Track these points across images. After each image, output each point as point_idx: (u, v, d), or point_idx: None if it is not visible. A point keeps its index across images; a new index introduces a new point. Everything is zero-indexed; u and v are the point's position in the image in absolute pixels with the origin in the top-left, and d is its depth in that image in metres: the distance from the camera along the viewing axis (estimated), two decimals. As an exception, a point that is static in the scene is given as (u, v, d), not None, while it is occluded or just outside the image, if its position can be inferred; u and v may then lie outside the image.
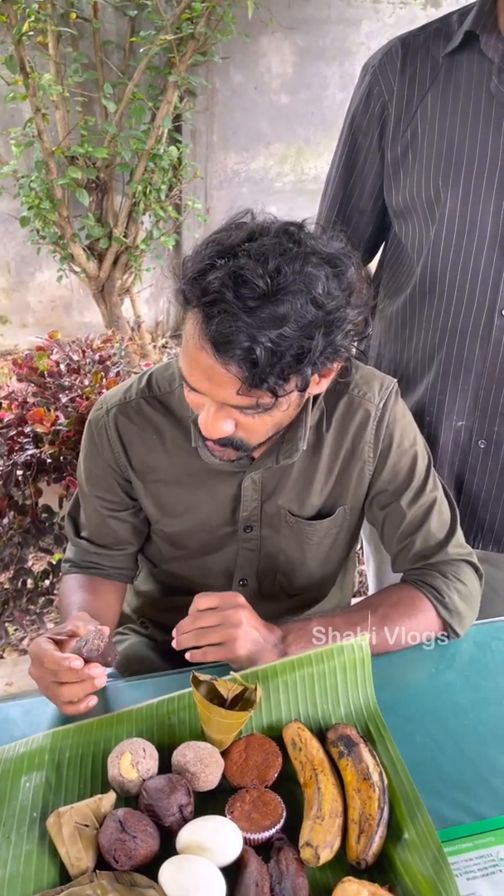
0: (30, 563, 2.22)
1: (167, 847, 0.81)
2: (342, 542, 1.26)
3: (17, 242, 4.53)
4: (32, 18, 3.47)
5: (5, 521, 2.09)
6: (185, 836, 0.81)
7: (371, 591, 1.74)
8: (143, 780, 0.87)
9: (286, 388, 0.94)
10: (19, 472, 2.15)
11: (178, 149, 4.16)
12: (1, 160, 3.95)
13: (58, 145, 3.78)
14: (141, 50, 3.76)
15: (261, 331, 0.87)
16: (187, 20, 3.72)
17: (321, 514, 1.21)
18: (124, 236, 4.03)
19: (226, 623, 1.02)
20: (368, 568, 1.70)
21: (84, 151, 3.70)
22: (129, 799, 0.88)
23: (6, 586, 2.19)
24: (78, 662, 0.93)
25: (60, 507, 2.23)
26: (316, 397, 1.14)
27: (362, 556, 1.73)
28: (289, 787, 0.90)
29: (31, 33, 3.57)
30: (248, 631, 1.03)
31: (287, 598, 1.27)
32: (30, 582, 2.22)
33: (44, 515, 2.18)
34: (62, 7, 3.79)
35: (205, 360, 0.92)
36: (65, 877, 0.79)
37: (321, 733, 0.96)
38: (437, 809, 0.87)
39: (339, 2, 4.55)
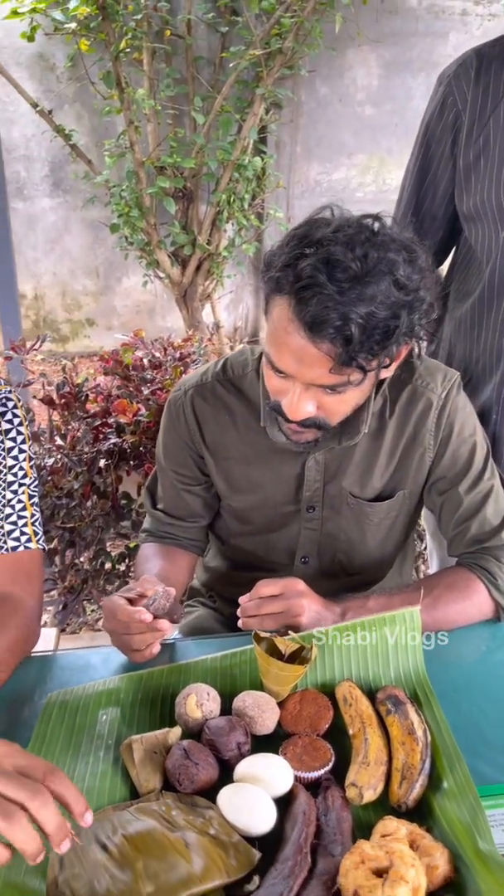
0: (108, 547, 2.36)
1: (225, 779, 0.90)
2: (400, 526, 1.33)
3: (107, 249, 4.75)
4: (129, 36, 3.68)
5: (88, 504, 2.23)
6: (242, 768, 0.90)
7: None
8: (206, 720, 0.96)
9: (372, 364, 1.02)
10: (102, 461, 2.29)
11: (263, 159, 4.29)
12: (94, 170, 4.17)
13: (148, 156, 3.97)
14: (230, 65, 3.92)
15: (352, 309, 0.95)
16: (276, 35, 3.85)
17: (381, 497, 1.28)
18: (207, 243, 4.18)
19: (288, 612, 1.09)
20: (431, 563, 1.75)
21: (172, 162, 3.88)
22: (192, 736, 0.97)
23: (86, 566, 2.33)
24: (147, 616, 1.03)
25: (138, 494, 2.36)
26: (380, 385, 1.22)
27: (425, 550, 1.78)
28: (338, 738, 0.97)
29: (128, 50, 3.78)
30: (310, 616, 1.10)
31: (346, 576, 1.34)
32: (108, 564, 2.35)
33: (123, 502, 2.31)
34: (157, 25, 3.98)
35: (296, 342, 1.00)
36: (134, 795, 0.89)
37: (371, 693, 1.02)
38: (476, 768, 0.92)
39: (426, 14, 4.60)
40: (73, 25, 3.70)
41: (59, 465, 2.18)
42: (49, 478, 2.18)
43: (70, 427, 2.24)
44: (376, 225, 1.02)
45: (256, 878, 0.79)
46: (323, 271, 0.95)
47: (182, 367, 2.23)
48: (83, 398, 2.27)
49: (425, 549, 2.10)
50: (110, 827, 0.81)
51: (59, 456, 2.19)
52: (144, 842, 0.79)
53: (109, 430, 2.25)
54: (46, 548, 1.21)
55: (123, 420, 2.17)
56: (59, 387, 2.21)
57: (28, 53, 4.24)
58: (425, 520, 1.69)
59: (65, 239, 4.76)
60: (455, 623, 1.17)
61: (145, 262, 4.26)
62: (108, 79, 3.79)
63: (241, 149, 4.02)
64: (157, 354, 2.37)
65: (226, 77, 4.00)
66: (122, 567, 2.39)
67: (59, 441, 2.22)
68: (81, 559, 2.32)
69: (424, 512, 1.69)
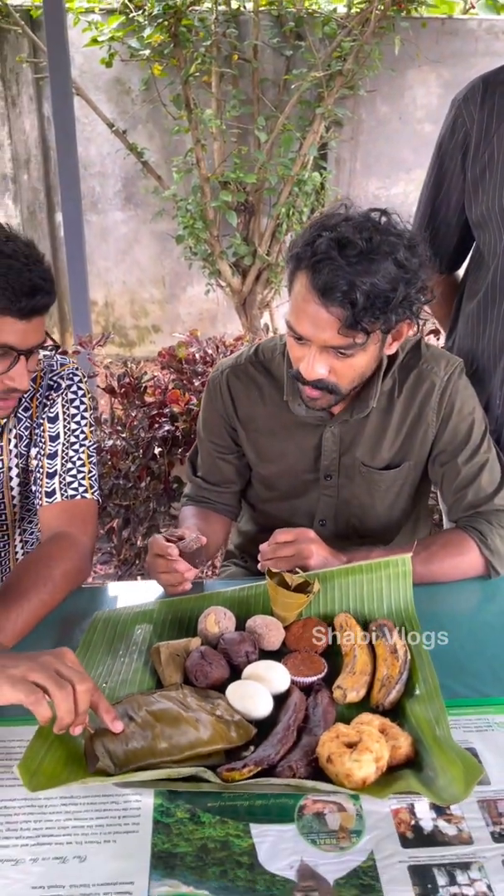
0: (160, 527, 2.57)
1: (234, 680, 1.09)
2: (406, 494, 1.50)
3: (173, 259, 5.02)
4: (199, 61, 3.95)
5: (143, 485, 2.45)
6: (248, 670, 1.08)
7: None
8: (222, 635, 1.15)
9: (374, 327, 1.21)
10: (157, 448, 2.51)
11: (322, 175, 4.49)
12: (163, 185, 4.45)
13: (213, 172, 4.22)
14: (293, 86, 4.14)
15: (358, 279, 1.15)
16: (337, 58, 4.06)
17: (390, 467, 1.45)
18: (267, 254, 4.40)
19: (299, 554, 1.28)
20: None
21: (235, 177, 4.12)
22: (210, 647, 1.16)
23: (139, 543, 2.55)
24: (174, 551, 1.24)
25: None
26: (389, 367, 1.39)
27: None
28: (333, 659, 1.14)
29: (198, 74, 4.05)
30: (318, 559, 1.29)
31: (358, 538, 1.51)
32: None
33: (174, 486, 2.53)
34: (226, 50, 4.25)
35: (312, 308, 1.19)
36: (159, 687, 1.09)
37: (365, 625, 1.20)
38: (450, 686, 1.08)
39: (486, 35, 4.74)
40: (147, 52, 4.00)
41: (118, 448, 2.41)
42: (109, 460, 2.41)
43: (129, 415, 2.48)
44: (382, 217, 1.22)
45: (252, 748, 0.98)
46: (335, 248, 1.16)
47: (231, 362, 2.44)
48: (142, 389, 2.51)
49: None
50: (137, 705, 1.01)
51: (118, 440, 2.42)
52: (163, 715, 0.99)
53: (164, 419, 2.48)
54: (100, 500, 1.42)
55: (176, 409, 2.39)
56: (119, 378, 2.45)
57: (105, 78, 4.56)
58: (441, 504, 1.84)
59: (134, 250, 5.05)
60: (449, 576, 1.33)
61: (208, 271, 4.51)
62: (178, 101, 4.07)
63: (300, 165, 4.23)
64: (209, 351, 2.59)
65: (289, 97, 4.23)
66: (172, 546, 2.59)
67: (118, 427, 2.46)
68: (135, 536, 2.54)
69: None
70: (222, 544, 1.65)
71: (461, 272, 1.72)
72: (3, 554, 1.50)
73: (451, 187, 1.55)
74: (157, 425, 2.47)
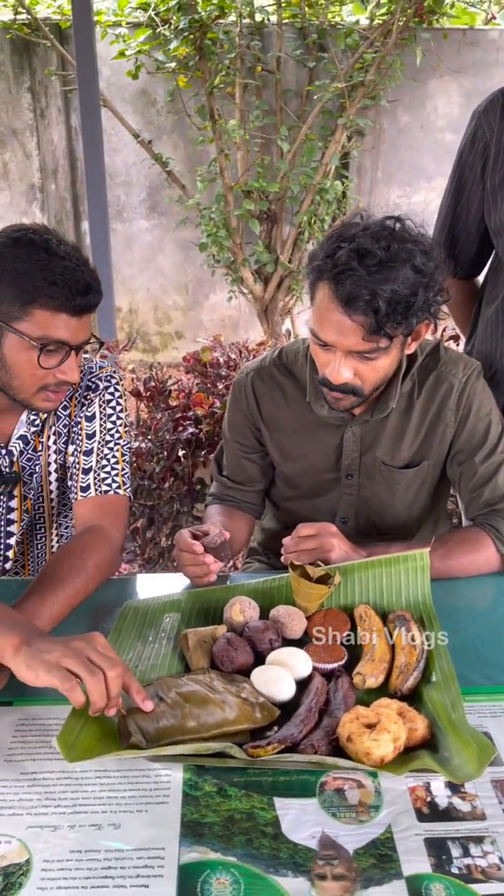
0: (183, 526, 2.63)
1: (259, 665, 1.14)
2: (425, 493, 1.54)
3: (195, 267, 5.11)
4: (223, 73, 4.03)
5: (166, 486, 2.51)
6: (272, 656, 1.13)
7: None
8: (247, 623, 1.21)
9: (397, 332, 1.26)
10: (181, 450, 2.58)
11: (343, 183, 4.55)
12: (187, 194, 4.53)
13: (236, 181, 4.30)
14: (316, 97, 4.21)
15: (379, 287, 1.20)
16: (359, 69, 4.12)
17: (409, 465, 1.50)
18: (289, 262, 4.46)
19: (321, 548, 1.33)
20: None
21: (258, 186, 4.19)
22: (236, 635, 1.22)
23: (162, 543, 2.61)
24: (199, 547, 1.29)
25: (211, 481, 2.63)
26: (409, 370, 1.44)
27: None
28: (352, 649, 1.19)
29: (222, 85, 4.13)
30: (339, 553, 1.34)
31: (378, 535, 1.56)
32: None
33: (197, 487, 2.59)
34: (249, 62, 4.33)
35: (336, 317, 1.25)
36: (187, 671, 1.14)
37: (384, 616, 1.24)
38: (466, 675, 1.12)
39: (507, 45, 4.78)
40: (173, 65, 4.09)
41: (143, 450, 2.48)
42: (134, 461, 2.48)
43: (154, 418, 2.54)
44: (397, 225, 1.27)
45: (276, 728, 1.03)
46: (355, 258, 1.21)
47: (254, 367, 2.50)
48: (167, 393, 2.57)
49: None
50: (166, 686, 1.06)
51: (143, 442, 2.49)
52: (191, 696, 1.04)
53: (188, 421, 2.54)
54: (131, 497, 1.48)
55: (200, 412, 2.45)
56: (145, 381, 2.52)
57: (131, 90, 4.66)
58: (459, 502, 1.88)
59: (158, 258, 5.14)
60: (466, 572, 1.38)
61: (231, 279, 4.58)
62: (202, 112, 4.16)
63: (322, 174, 4.29)
64: (233, 356, 2.65)
65: (311, 108, 4.30)
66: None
67: (143, 429, 2.52)
68: (159, 536, 2.60)
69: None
70: (246, 542, 1.71)
71: (481, 278, 1.77)
72: (39, 546, 1.56)
73: (471, 196, 1.60)
74: (181, 428, 2.54)
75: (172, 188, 4.66)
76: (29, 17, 4.35)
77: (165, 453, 2.51)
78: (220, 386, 2.45)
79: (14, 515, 1.49)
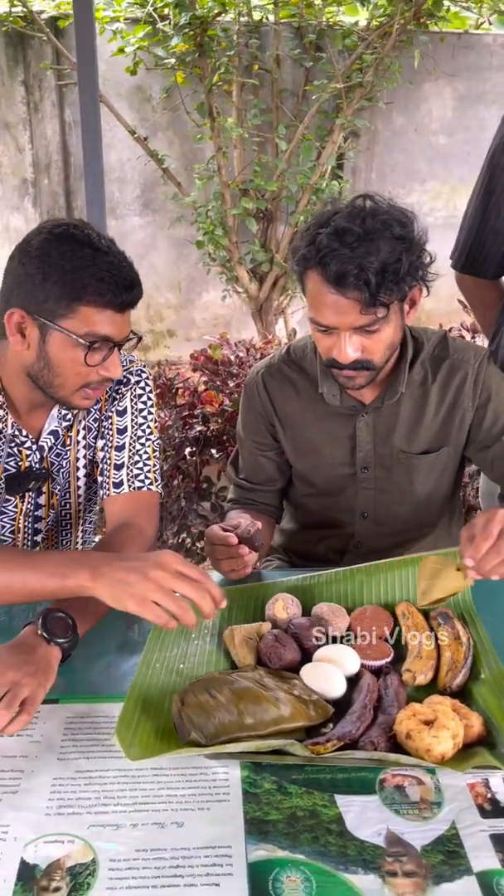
0: (190, 525, 2.62)
1: (305, 663, 1.13)
2: (446, 480, 1.55)
3: (189, 265, 5.08)
4: (222, 70, 4.02)
5: (175, 483, 2.50)
6: (320, 653, 1.12)
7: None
8: (290, 620, 1.20)
9: (391, 298, 1.27)
10: (188, 448, 2.56)
11: (340, 184, 4.56)
12: (183, 192, 4.51)
13: (233, 179, 4.29)
14: (313, 96, 4.22)
15: (364, 261, 1.22)
16: (357, 70, 4.14)
17: (428, 451, 1.51)
18: (284, 261, 4.46)
19: None
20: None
21: (256, 185, 4.19)
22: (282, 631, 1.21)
23: (170, 540, 2.60)
24: (233, 539, 1.28)
25: (218, 479, 2.62)
26: (416, 357, 1.46)
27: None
28: (396, 645, 1.19)
29: (220, 83, 4.12)
30: None
31: (402, 522, 1.56)
32: (188, 540, 2.62)
33: (205, 485, 2.58)
34: (247, 60, 4.32)
35: (331, 299, 1.26)
36: (234, 669, 1.13)
37: (425, 614, 1.25)
38: (510, 672, 1.13)
39: (501, 50, 4.82)
40: (172, 61, 4.07)
41: (152, 447, 2.46)
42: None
43: (162, 415, 2.52)
44: (367, 202, 1.29)
45: (331, 725, 1.02)
46: (336, 239, 1.24)
47: (264, 365, 2.50)
48: (174, 391, 2.56)
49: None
50: (217, 683, 1.05)
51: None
52: (245, 693, 1.03)
53: (195, 420, 2.53)
54: (161, 492, 1.47)
55: (210, 410, 2.44)
56: (154, 379, 2.50)
57: (127, 86, 4.63)
58: (482, 500, 1.90)
59: (151, 255, 5.11)
60: None
61: (226, 277, 4.56)
62: (201, 109, 4.14)
63: (319, 174, 4.30)
64: (241, 354, 2.64)
65: (308, 108, 4.30)
66: (201, 545, 2.64)
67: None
68: (167, 534, 2.58)
69: (482, 493, 1.90)
70: (269, 546, 1.70)
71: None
72: (65, 543, 1.54)
73: (502, 198, 1.61)
74: (188, 426, 2.53)
75: (167, 185, 4.64)
76: (24, 9, 4.30)
77: (173, 451, 2.50)
78: (232, 384, 2.44)
79: (41, 512, 1.47)
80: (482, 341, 2.47)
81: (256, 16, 4.31)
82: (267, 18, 4.35)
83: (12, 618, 1.26)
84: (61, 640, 1.08)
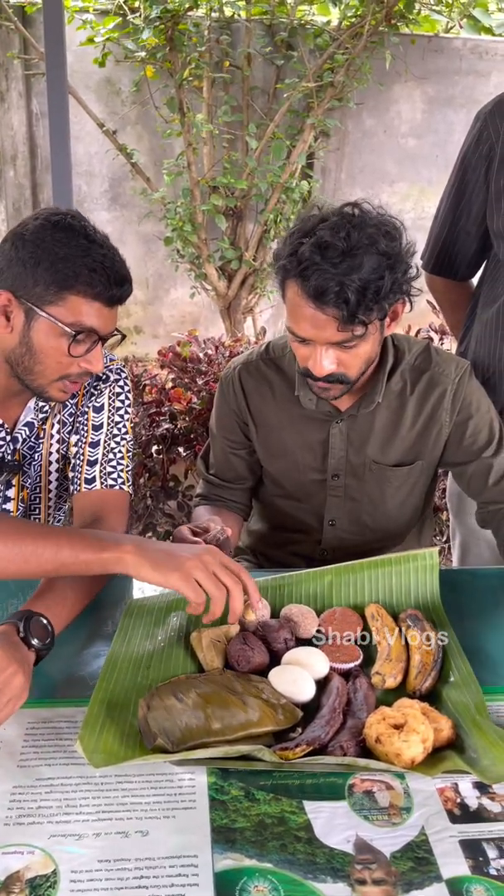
0: (157, 524, 2.59)
1: (274, 666, 1.11)
2: (418, 493, 1.54)
3: (157, 261, 5.04)
4: (193, 65, 3.99)
5: (141, 481, 2.47)
6: (289, 656, 1.11)
7: (455, 562, 1.97)
8: (258, 622, 1.18)
9: (371, 318, 1.24)
10: (155, 445, 2.53)
11: (310, 183, 4.56)
12: (152, 187, 4.47)
13: (203, 176, 4.26)
14: (284, 95, 4.21)
15: (346, 278, 1.19)
16: (328, 69, 4.13)
17: (402, 464, 1.49)
18: (253, 259, 4.45)
19: None
20: (454, 540, 1.95)
21: (226, 182, 4.16)
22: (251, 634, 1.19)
23: (134, 540, 2.56)
24: (200, 544, 1.25)
25: (185, 478, 2.59)
26: (395, 367, 1.44)
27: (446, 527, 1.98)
28: (365, 648, 1.18)
29: (190, 79, 4.09)
30: None
31: (371, 532, 1.55)
32: (154, 539, 2.58)
33: (171, 484, 2.55)
34: (218, 56, 4.29)
35: (308, 312, 1.23)
36: (201, 672, 1.11)
37: (394, 616, 1.24)
38: (480, 675, 1.12)
39: (470, 55, 4.87)
40: (142, 54, 4.02)
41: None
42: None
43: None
44: (356, 211, 1.26)
45: (299, 729, 1.00)
46: (318, 253, 1.20)
47: (233, 363, 2.47)
48: (141, 388, 2.52)
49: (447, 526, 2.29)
50: (184, 687, 1.03)
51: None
52: (212, 697, 1.01)
53: (163, 417, 2.50)
54: (132, 493, 1.44)
55: (178, 407, 2.41)
56: (121, 375, 2.46)
57: (96, 78, 4.56)
58: (449, 500, 1.90)
59: (119, 250, 5.05)
60: None
61: (194, 274, 4.53)
62: (171, 104, 4.10)
63: (289, 173, 4.29)
64: (210, 352, 2.62)
65: (279, 106, 4.29)
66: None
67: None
68: (133, 532, 2.55)
69: (448, 493, 1.90)
70: (236, 542, 1.68)
71: (475, 280, 1.78)
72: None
73: (473, 197, 1.61)
74: (155, 423, 2.49)
75: (136, 180, 4.59)
76: (-8, -3, 4.22)
77: (140, 449, 2.46)
78: (200, 382, 2.41)
79: (10, 506, 1.43)
80: (451, 343, 2.48)
81: (228, 12, 4.28)
82: (238, 15, 4.32)
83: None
84: (39, 646, 1.04)
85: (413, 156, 5.02)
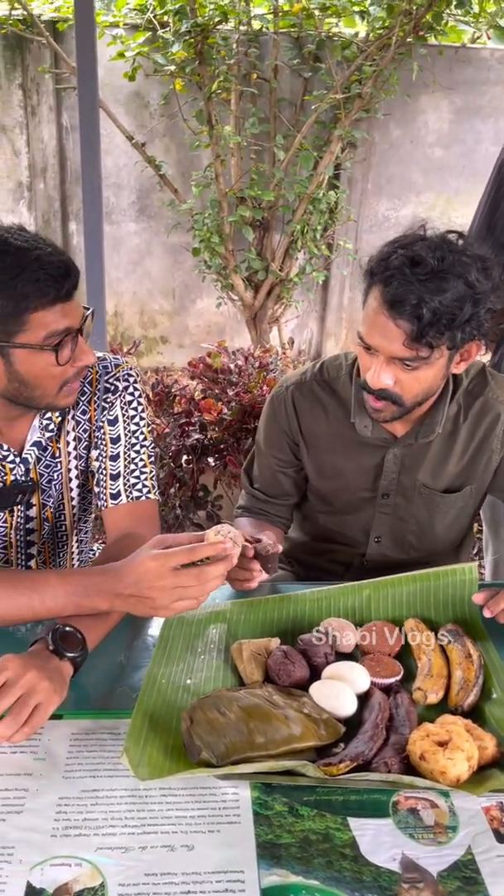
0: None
1: (313, 680, 1.11)
2: (465, 516, 1.53)
3: (183, 272, 5.06)
4: (221, 78, 4.01)
5: (171, 491, 2.48)
6: (329, 670, 1.11)
7: (488, 576, 1.96)
8: (299, 636, 1.18)
9: (439, 342, 1.24)
10: (185, 455, 2.54)
11: (336, 194, 4.57)
12: (180, 199, 4.50)
13: (230, 187, 4.28)
14: (312, 106, 4.22)
15: (426, 295, 1.19)
16: (356, 81, 4.14)
17: (451, 489, 1.48)
18: (280, 270, 4.45)
19: None
20: (487, 553, 1.94)
21: (253, 193, 4.18)
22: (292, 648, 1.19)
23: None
24: (250, 551, 1.26)
25: (215, 487, 2.60)
26: (454, 392, 1.43)
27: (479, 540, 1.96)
28: (405, 662, 1.17)
29: (219, 91, 4.12)
30: None
31: (415, 551, 1.55)
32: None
33: (201, 493, 2.56)
34: (246, 69, 4.32)
35: (381, 320, 1.23)
36: (241, 685, 1.11)
37: (433, 630, 1.23)
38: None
39: (498, 65, 4.85)
40: (172, 68, 4.05)
41: (149, 455, 2.44)
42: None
43: (159, 422, 2.50)
44: (459, 240, 1.26)
45: (342, 745, 1.00)
46: (407, 264, 1.21)
47: (264, 374, 2.48)
48: (171, 398, 2.54)
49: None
50: (226, 700, 1.03)
51: (148, 447, 2.45)
52: (254, 711, 1.01)
53: (192, 428, 2.51)
54: (159, 499, 1.44)
55: (208, 418, 2.41)
56: (153, 386, 2.48)
57: (126, 91, 4.61)
58: (482, 513, 1.88)
59: (146, 261, 5.09)
60: None
61: (221, 285, 4.55)
62: (200, 116, 4.13)
63: (316, 184, 4.30)
64: (240, 363, 2.63)
65: (306, 117, 4.30)
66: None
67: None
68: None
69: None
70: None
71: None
72: (62, 555, 1.51)
73: None
74: (185, 434, 2.50)
75: (164, 192, 4.62)
76: (24, 12, 4.28)
77: (170, 459, 2.47)
78: (231, 393, 2.42)
79: (33, 524, 1.44)
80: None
81: (256, 25, 4.31)
82: (266, 28, 4.35)
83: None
84: (72, 655, 1.06)
85: (439, 166, 5.01)
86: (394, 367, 1.28)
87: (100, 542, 2.39)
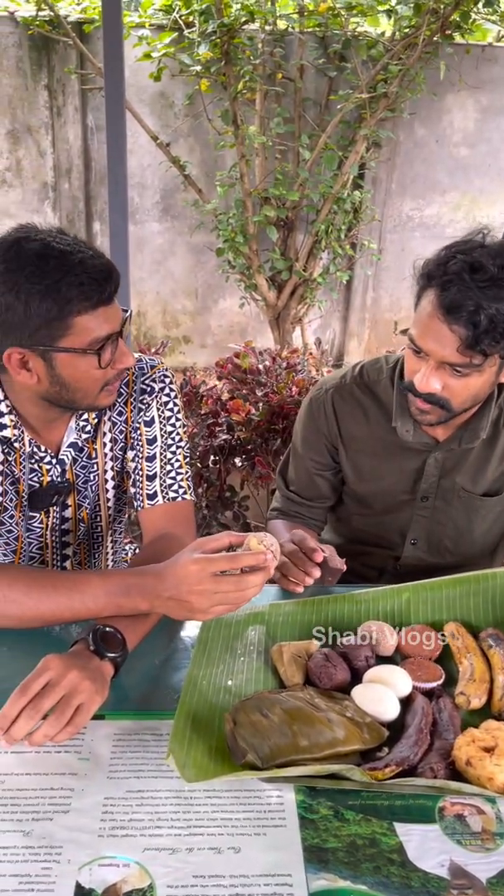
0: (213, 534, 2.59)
1: (354, 684, 1.11)
2: (503, 521, 1.52)
3: (206, 272, 5.07)
4: (247, 78, 4.01)
5: (199, 490, 2.48)
6: (371, 673, 1.10)
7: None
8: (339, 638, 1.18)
9: (494, 350, 1.22)
10: (212, 457, 2.54)
11: (361, 194, 4.55)
12: (204, 199, 4.50)
13: (255, 187, 4.28)
14: (337, 106, 4.21)
15: (485, 302, 1.17)
16: (381, 80, 4.12)
17: (490, 493, 1.47)
18: (304, 270, 4.44)
19: None
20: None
21: (277, 193, 4.17)
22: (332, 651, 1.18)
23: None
24: (319, 555, 1.27)
25: (242, 488, 2.60)
26: (498, 397, 1.42)
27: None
28: (446, 665, 1.16)
29: (244, 91, 4.12)
30: None
31: (451, 555, 1.53)
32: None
33: (228, 494, 2.55)
34: (271, 69, 4.31)
35: (435, 324, 1.22)
36: (282, 687, 1.11)
37: (474, 634, 1.22)
38: None
39: (525, 63, 4.81)
40: (197, 68, 4.06)
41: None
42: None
43: (187, 423, 2.50)
44: None
45: (386, 749, 1.00)
46: (467, 270, 1.19)
47: (293, 375, 2.47)
48: (199, 399, 2.54)
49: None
50: (269, 703, 1.03)
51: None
52: (297, 714, 1.01)
53: (220, 428, 2.51)
54: (195, 500, 1.44)
55: (236, 419, 2.41)
56: (181, 386, 2.48)
57: (150, 91, 4.62)
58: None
59: (169, 261, 5.10)
60: None
61: (244, 284, 4.54)
62: (225, 116, 4.14)
63: (341, 183, 4.28)
64: (268, 363, 2.62)
65: (331, 117, 4.29)
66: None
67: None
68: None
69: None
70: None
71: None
72: (97, 556, 1.52)
73: None
74: (212, 434, 2.50)
75: (188, 192, 4.62)
76: (51, 13, 4.30)
77: (198, 459, 2.47)
78: (259, 393, 2.41)
79: (69, 525, 1.44)
80: None
81: (282, 25, 4.30)
82: (292, 28, 4.34)
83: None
84: (113, 655, 1.06)
85: (465, 165, 4.98)
86: (443, 373, 1.27)
87: (128, 541, 2.39)
